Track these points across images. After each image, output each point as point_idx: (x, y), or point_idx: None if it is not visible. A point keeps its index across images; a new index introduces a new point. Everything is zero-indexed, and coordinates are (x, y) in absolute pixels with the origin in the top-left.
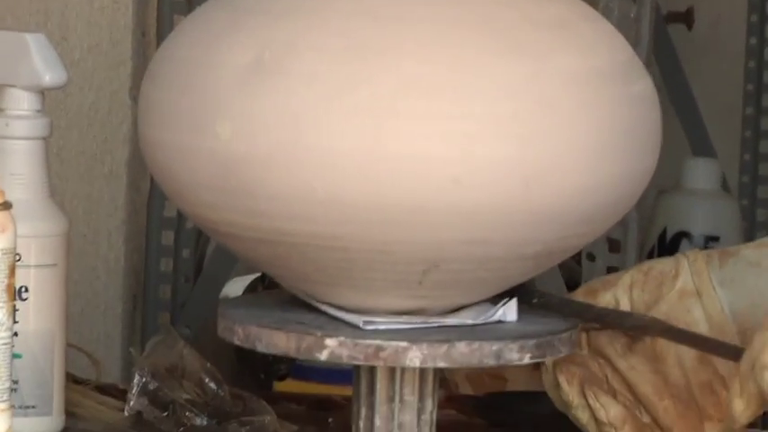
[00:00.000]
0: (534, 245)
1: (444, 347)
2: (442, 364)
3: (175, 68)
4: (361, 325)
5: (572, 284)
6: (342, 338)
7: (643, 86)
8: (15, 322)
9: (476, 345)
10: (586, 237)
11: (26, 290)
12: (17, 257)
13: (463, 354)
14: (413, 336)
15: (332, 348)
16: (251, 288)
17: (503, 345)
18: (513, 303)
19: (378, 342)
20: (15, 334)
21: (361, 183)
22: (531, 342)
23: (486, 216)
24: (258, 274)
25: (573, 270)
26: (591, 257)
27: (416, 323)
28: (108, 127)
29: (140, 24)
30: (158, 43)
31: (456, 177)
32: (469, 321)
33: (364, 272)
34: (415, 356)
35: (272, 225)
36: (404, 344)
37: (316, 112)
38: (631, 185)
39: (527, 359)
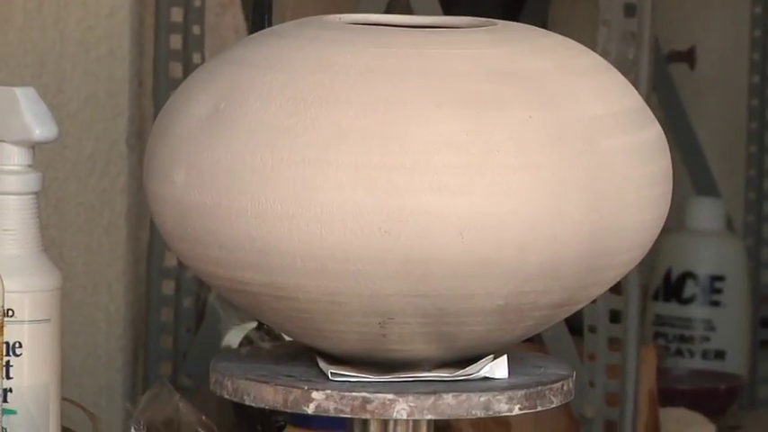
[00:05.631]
0: (489, 299)
1: (431, 399)
2: (429, 416)
3: (160, 119)
4: (329, 375)
5: (574, 325)
6: (328, 391)
7: (609, 143)
8: (9, 378)
9: (463, 396)
10: (559, 293)
11: (20, 345)
12: (10, 313)
13: (450, 405)
14: (400, 388)
15: (318, 401)
16: (247, 339)
17: (491, 396)
18: (504, 360)
19: (364, 394)
20: (10, 390)
21: (295, 232)
22: (521, 393)
23: (420, 267)
24: (255, 325)
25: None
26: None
27: (387, 378)
28: (106, 178)
29: (137, 74)
30: (155, 93)
31: (385, 228)
32: (445, 376)
33: (326, 323)
34: (402, 409)
35: (229, 274)
36: (390, 396)
37: (253, 161)
38: (596, 242)
39: (516, 410)
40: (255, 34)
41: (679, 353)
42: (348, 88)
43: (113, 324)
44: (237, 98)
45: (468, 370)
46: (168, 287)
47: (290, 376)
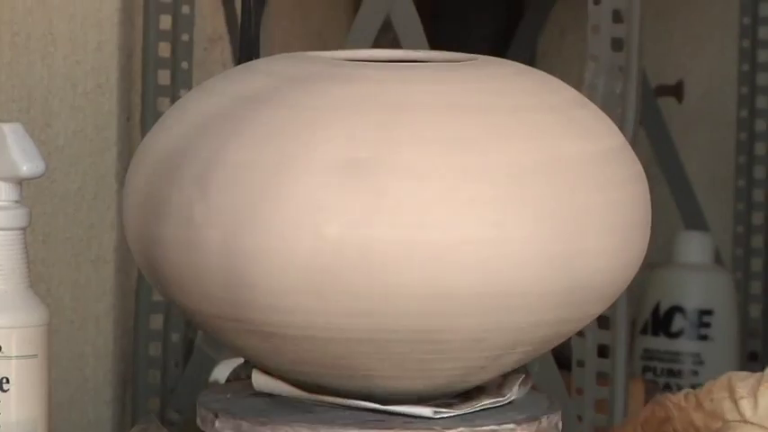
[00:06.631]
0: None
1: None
2: None
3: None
4: (432, 415)
5: (563, 360)
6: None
7: (629, 173)
8: None
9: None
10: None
11: (8, 381)
12: None
13: None
14: (463, 420)
15: None
16: (234, 375)
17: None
18: (519, 382)
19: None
20: None
21: (356, 272)
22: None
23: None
24: (242, 361)
25: (563, 345)
26: (580, 333)
27: (476, 406)
28: (94, 212)
29: (125, 109)
30: (143, 127)
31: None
32: (513, 397)
33: (451, 361)
34: None
35: (262, 317)
36: (461, 429)
37: (316, 199)
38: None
39: None
40: (248, 64)
41: (668, 387)
42: (502, 129)
43: (101, 359)
44: (278, 140)
45: (508, 394)
46: (156, 322)
47: (310, 413)
